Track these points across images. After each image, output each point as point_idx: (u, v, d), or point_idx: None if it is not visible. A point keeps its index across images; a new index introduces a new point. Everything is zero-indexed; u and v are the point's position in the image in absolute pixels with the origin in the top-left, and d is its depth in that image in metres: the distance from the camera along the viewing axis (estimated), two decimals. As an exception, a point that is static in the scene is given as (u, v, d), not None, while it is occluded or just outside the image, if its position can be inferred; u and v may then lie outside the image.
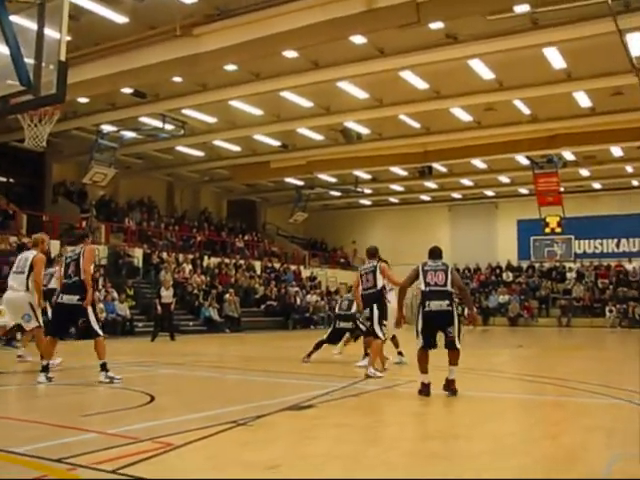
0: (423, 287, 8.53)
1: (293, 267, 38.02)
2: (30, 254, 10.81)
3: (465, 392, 8.67)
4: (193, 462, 4.99)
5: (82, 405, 8.05)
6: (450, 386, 8.39)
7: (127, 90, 21.66)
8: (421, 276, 8.56)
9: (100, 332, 9.50)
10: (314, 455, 5.32)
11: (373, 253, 11.05)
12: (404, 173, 34.96)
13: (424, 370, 8.42)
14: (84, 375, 10.66)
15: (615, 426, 6.70)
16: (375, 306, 10.43)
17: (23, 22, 7.93)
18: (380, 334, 10.41)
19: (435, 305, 8.35)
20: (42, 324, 10.66)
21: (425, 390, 8.32)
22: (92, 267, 9.76)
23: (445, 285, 8.43)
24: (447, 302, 8.37)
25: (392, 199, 42.74)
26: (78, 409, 7.52)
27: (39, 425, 6.37)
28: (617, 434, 6.32)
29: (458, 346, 8.37)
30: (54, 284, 12.17)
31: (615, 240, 38.93)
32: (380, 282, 10.55)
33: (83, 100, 22.30)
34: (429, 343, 8.46)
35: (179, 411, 7.31)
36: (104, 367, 9.44)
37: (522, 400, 8.75)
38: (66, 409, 7.65)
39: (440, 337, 8.48)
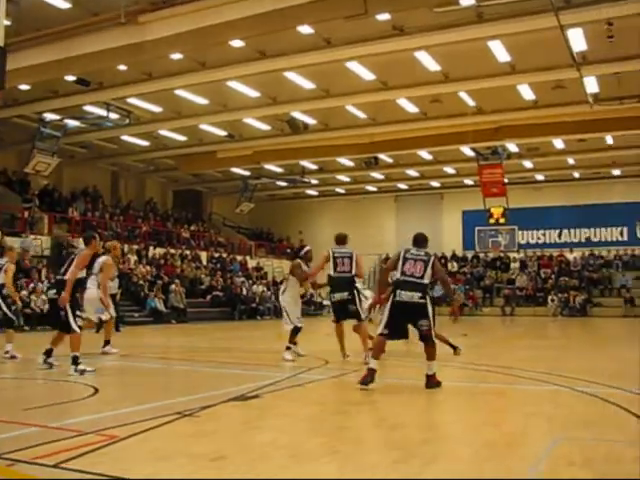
0: (398, 275, 8.32)
1: (239, 257, 37.93)
2: (102, 259, 12.24)
3: (409, 381, 8.80)
4: (138, 454, 4.95)
5: (24, 399, 7.89)
6: (432, 381, 8.16)
7: (70, 78, 21.18)
8: (400, 263, 8.36)
9: (75, 328, 9.55)
10: (259, 445, 5.32)
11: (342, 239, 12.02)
12: (350, 164, 35.13)
13: (377, 356, 8.18)
14: (28, 368, 10.47)
15: (556, 412, 6.86)
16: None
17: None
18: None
19: (406, 296, 8.10)
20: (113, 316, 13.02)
21: (370, 375, 8.00)
22: (82, 272, 9.90)
23: (422, 277, 8.20)
24: (419, 294, 8.12)
25: (339, 189, 42.90)
26: (19, 403, 7.37)
27: (-22, 420, 6.23)
28: (558, 419, 6.47)
29: (435, 340, 8.29)
30: (2, 279, 11.95)
31: (557, 231, 39.81)
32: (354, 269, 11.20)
33: (24, 87, 21.82)
34: (392, 333, 8.27)
35: (124, 403, 7.24)
36: (75, 360, 9.36)
37: (466, 388, 8.86)
38: (7, 403, 7.50)
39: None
